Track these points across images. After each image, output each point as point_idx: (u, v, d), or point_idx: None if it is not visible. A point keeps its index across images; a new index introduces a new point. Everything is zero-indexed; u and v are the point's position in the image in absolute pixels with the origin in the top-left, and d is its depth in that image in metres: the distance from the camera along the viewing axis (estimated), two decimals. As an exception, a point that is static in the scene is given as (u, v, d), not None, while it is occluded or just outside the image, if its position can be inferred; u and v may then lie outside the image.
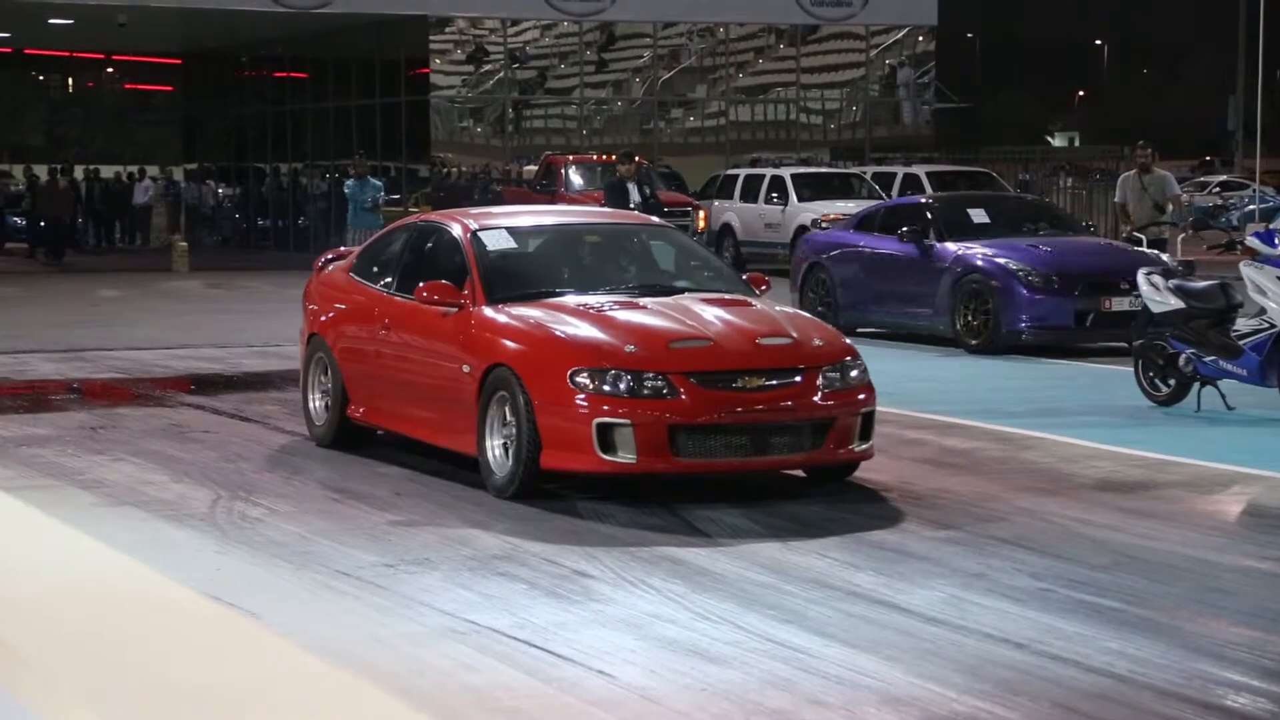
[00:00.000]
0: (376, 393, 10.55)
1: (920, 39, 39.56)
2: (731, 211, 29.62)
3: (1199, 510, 9.29)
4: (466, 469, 9.76)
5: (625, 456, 8.92)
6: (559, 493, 9.36)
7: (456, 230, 10.38)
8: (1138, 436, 11.34)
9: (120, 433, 11.68)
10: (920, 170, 30.22)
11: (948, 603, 7.19)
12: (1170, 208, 17.89)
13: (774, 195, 28.94)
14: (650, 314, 9.55)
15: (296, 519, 8.88)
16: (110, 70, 48.84)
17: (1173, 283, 12.79)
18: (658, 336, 9.26)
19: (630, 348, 9.12)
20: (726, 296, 10.08)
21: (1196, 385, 12.42)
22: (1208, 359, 12.29)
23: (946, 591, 7.38)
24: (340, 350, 10.91)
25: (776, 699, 5.91)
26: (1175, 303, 12.64)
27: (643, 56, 39.12)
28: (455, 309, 9.81)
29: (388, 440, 10.68)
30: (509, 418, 9.24)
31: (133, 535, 8.50)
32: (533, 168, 33.99)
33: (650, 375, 8.98)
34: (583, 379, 8.99)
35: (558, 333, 9.33)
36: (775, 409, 9.08)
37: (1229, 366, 12.18)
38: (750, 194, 29.42)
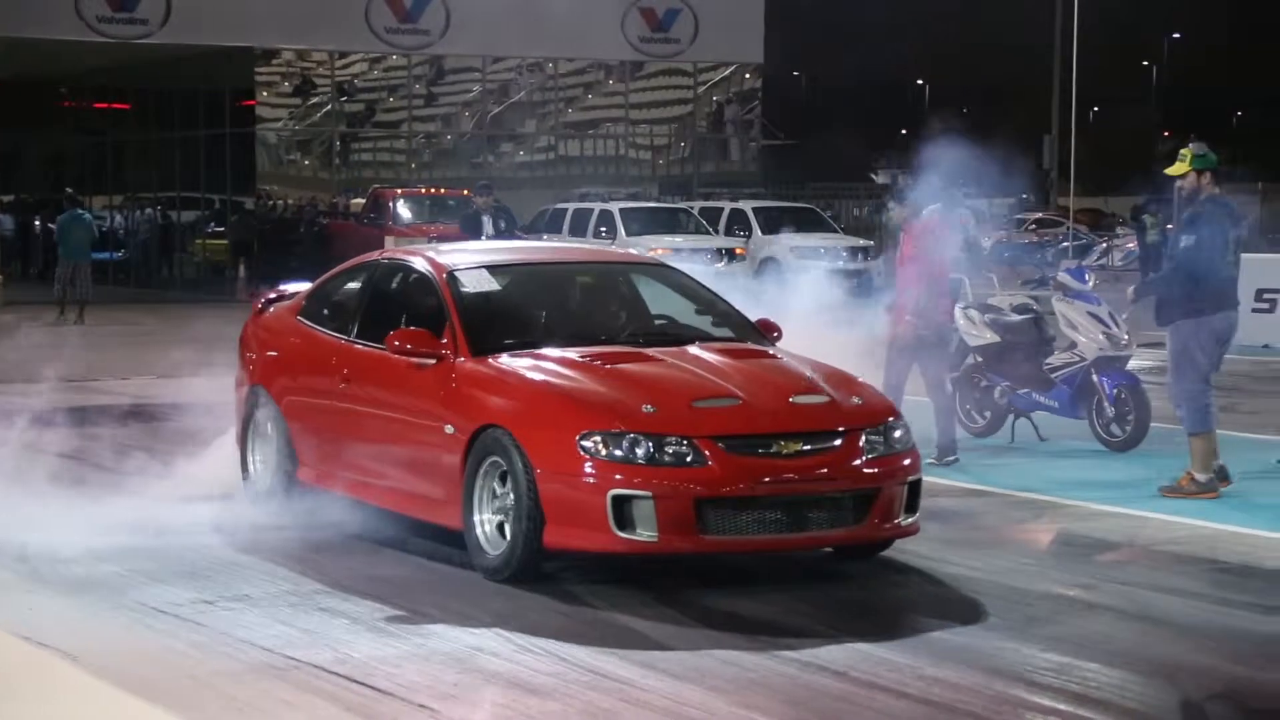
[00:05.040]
0: (332, 454, 9.36)
1: (747, 76, 40.08)
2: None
3: (1011, 539, 9.50)
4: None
5: (645, 534, 7.73)
6: (376, 534, 9.04)
7: (428, 270, 9.20)
8: (952, 467, 11.56)
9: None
10: (746, 205, 30.60)
11: (764, 625, 7.26)
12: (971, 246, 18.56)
13: (603, 229, 29.15)
14: (664, 367, 8.39)
15: (111, 557, 8.66)
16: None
17: (988, 317, 13.08)
18: (678, 394, 8.09)
19: (648, 407, 7.93)
20: (742, 346, 8.97)
21: (1011, 417, 12.71)
22: (1021, 391, 12.59)
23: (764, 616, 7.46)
24: (287, 404, 9.73)
25: (597, 730, 5.95)
26: (991, 336, 12.91)
27: (472, 90, 39.11)
28: (434, 360, 8.64)
29: (220, 476, 10.26)
30: (503, 488, 8.08)
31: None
32: (360, 201, 33.81)
33: (673, 440, 7.80)
34: (594, 443, 7.81)
35: (562, 389, 8.17)
36: (814, 479, 7.92)
37: (1042, 399, 12.49)
38: (579, 228, 29.58)
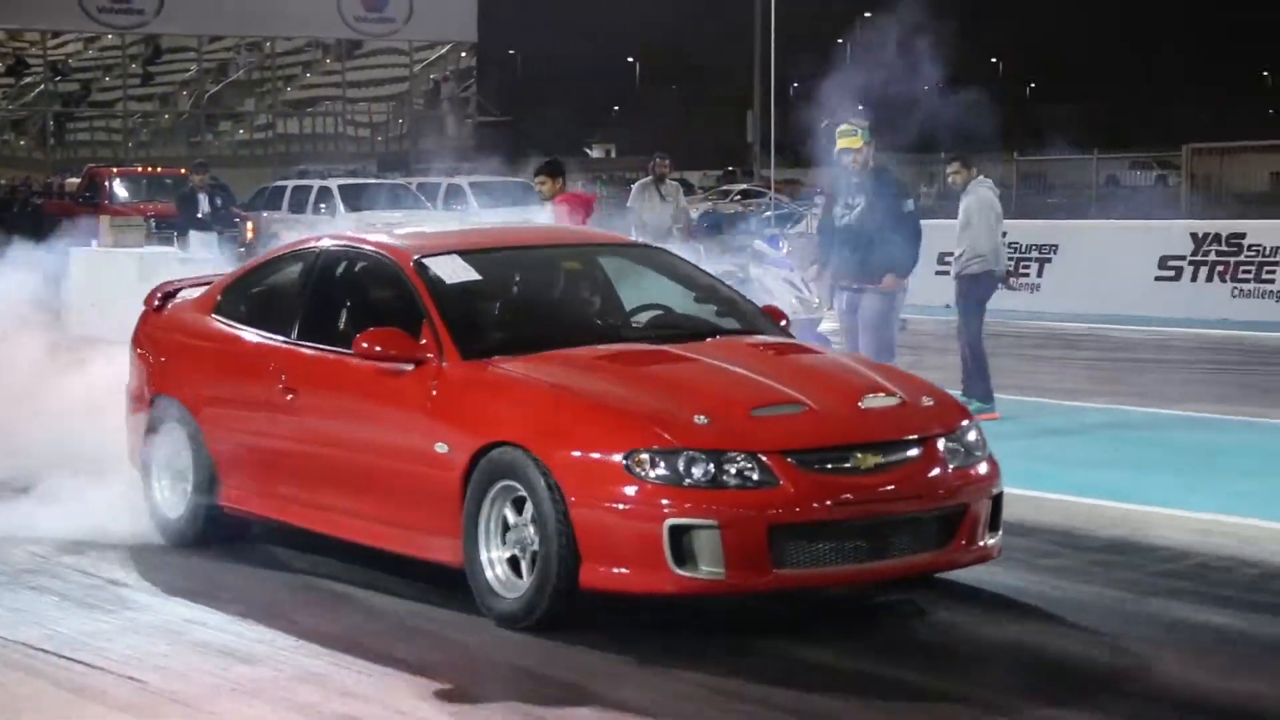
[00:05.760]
0: (272, 476, 7.94)
1: (462, 55, 40.33)
2: (280, 223, 29.70)
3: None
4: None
5: (709, 570, 6.44)
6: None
7: (388, 257, 7.77)
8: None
9: None
10: (463, 180, 31.04)
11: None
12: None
13: (322, 205, 29.27)
14: (703, 368, 7.11)
15: None
16: None
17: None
18: (732, 401, 6.81)
19: (700, 418, 6.64)
20: (775, 340, 7.73)
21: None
22: (721, 355, 13.18)
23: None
24: (207, 418, 8.29)
25: (308, 693, 6.05)
26: (693, 305, 13.50)
27: (189, 70, 38.65)
28: (411, 366, 7.23)
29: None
30: (518, 517, 6.79)
31: None
32: (76, 180, 33.31)
33: (736, 456, 6.53)
34: (641, 463, 6.52)
35: (593, 398, 6.82)
36: (898, 497, 6.70)
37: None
38: (299, 205, 29.63)
